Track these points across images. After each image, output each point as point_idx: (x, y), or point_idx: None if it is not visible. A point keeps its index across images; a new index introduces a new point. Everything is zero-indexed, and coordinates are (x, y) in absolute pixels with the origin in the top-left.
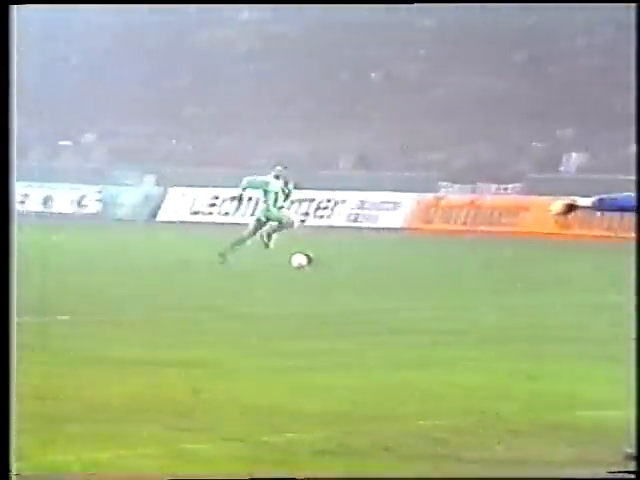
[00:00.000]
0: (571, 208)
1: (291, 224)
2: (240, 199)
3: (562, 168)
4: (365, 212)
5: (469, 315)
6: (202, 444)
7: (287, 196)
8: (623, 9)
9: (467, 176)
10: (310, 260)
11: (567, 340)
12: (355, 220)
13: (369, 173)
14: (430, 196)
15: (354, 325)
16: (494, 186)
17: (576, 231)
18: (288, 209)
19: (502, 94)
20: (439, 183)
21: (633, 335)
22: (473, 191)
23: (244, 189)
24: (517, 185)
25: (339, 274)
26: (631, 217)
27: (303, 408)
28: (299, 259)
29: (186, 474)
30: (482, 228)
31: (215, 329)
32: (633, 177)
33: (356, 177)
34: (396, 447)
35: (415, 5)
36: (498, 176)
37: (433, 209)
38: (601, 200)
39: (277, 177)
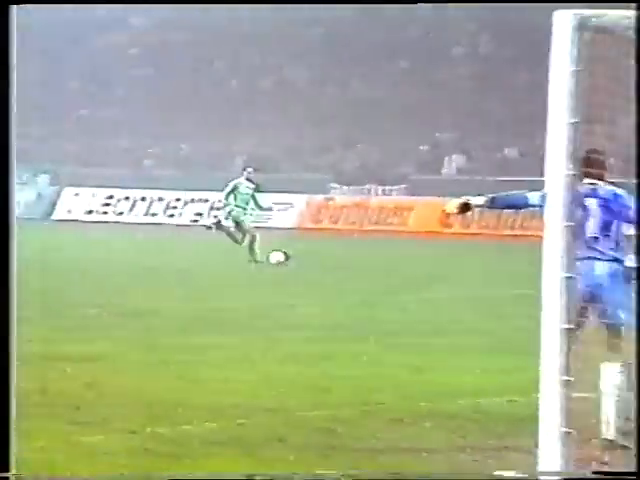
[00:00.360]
0: (466, 207)
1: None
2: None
3: (444, 170)
4: (259, 212)
5: (357, 310)
6: (96, 436)
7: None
8: (504, 18)
9: (355, 178)
10: (288, 257)
11: (451, 333)
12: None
13: (261, 175)
14: (320, 197)
15: (247, 320)
16: (381, 187)
17: (457, 230)
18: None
19: (387, 100)
20: (329, 185)
21: (517, 325)
22: (361, 192)
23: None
24: (402, 186)
25: (233, 272)
26: (511, 215)
27: (195, 401)
28: (277, 256)
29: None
30: (369, 228)
31: (109, 325)
32: (508, 178)
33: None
34: (288, 438)
35: (304, 14)
36: (384, 178)
37: (323, 210)
38: (493, 199)
39: (248, 180)
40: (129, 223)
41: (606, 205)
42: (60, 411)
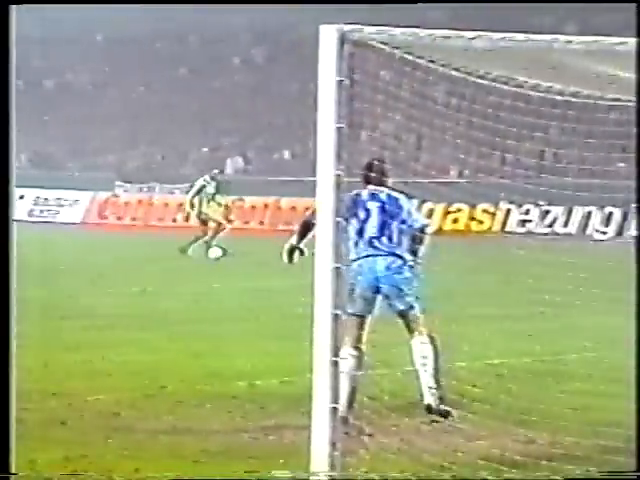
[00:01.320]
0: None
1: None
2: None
3: (226, 171)
4: (45, 208)
5: (141, 300)
6: None
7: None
8: (277, 31)
9: (140, 177)
10: (225, 252)
11: (229, 320)
12: (37, 215)
13: (47, 172)
14: (106, 194)
15: (30, 311)
16: (166, 186)
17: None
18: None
19: (169, 105)
20: (115, 183)
21: (292, 313)
22: (146, 190)
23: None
24: (185, 185)
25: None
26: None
27: None
28: (215, 252)
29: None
30: (154, 223)
31: None
32: (283, 178)
33: (34, 176)
34: (69, 421)
35: (88, 16)
36: (168, 178)
37: (109, 206)
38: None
39: (212, 179)
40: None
41: (384, 208)
42: None
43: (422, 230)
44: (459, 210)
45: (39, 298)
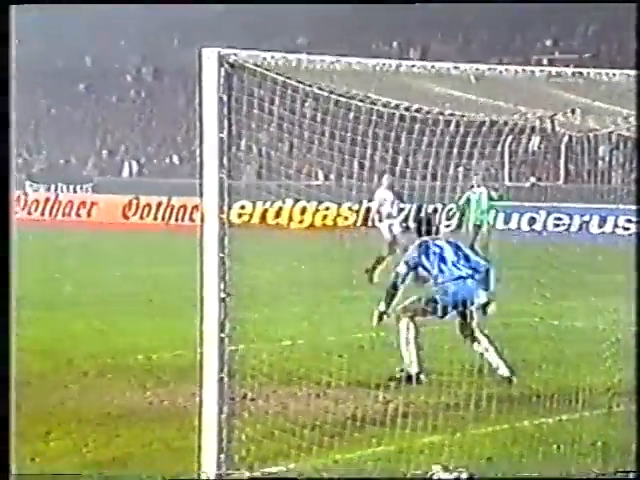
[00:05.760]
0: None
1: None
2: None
3: (124, 174)
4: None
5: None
6: None
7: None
8: (164, 52)
9: (47, 178)
10: None
11: (129, 303)
12: None
13: None
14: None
15: None
16: (71, 186)
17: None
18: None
19: (70, 115)
20: (25, 182)
21: (181, 296)
22: (53, 189)
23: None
24: (89, 185)
25: None
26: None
27: None
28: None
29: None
30: (60, 218)
31: None
32: (173, 180)
33: None
34: None
35: None
36: (73, 178)
37: (19, 203)
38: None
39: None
40: None
41: (450, 249)
42: None
43: (487, 271)
44: (327, 208)
45: None
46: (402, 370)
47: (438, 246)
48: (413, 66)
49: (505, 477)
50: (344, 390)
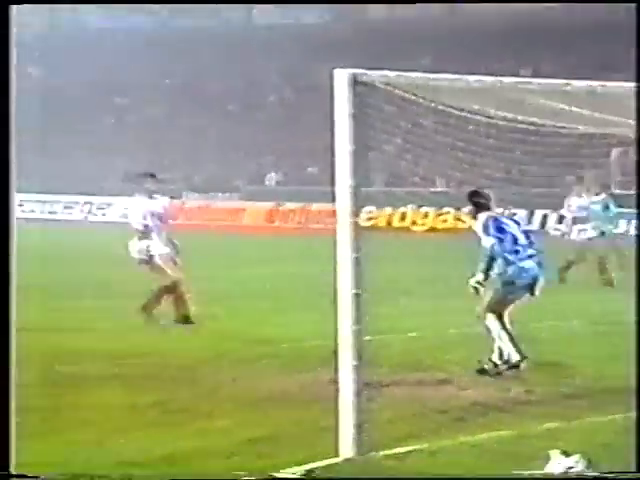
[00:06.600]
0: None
1: None
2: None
3: (267, 182)
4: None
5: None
6: None
7: None
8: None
9: (205, 187)
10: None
11: (272, 299)
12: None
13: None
14: (177, 202)
15: None
16: (220, 194)
17: (279, 226)
18: None
19: (217, 132)
20: (184, 192)
21: (321, 291)
22: (208, 198)
23: None
24: (235, 194)
25: None
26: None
27: None
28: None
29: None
30: (217, 223)
31: None
32: (310, 187)
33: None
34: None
35: None
36: (224, 188)
37: (179, 211)
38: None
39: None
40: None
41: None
42: None
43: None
44: (447, 213)
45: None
46: (491, 361)
47: (508, 224)
48: (529, 83)
49: (505, 477)
50: (466, 378)
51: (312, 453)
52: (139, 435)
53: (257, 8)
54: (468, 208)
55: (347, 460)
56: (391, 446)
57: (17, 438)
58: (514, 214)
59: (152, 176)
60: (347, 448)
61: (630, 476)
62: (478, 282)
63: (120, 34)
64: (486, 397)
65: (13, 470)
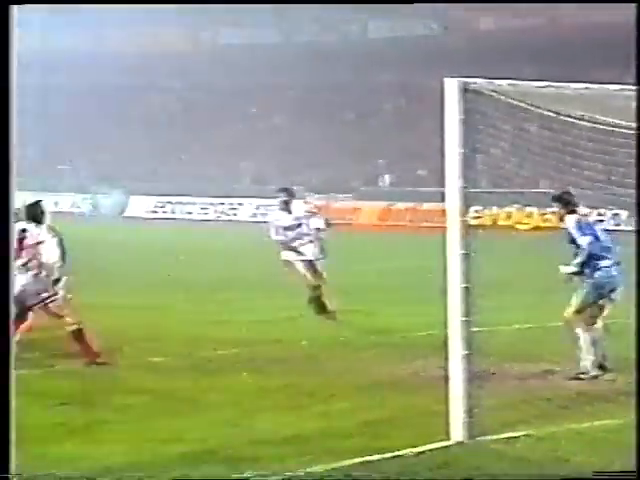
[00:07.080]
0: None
1: None
2: None
3: (380, 184)
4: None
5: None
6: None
7: None
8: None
9: (323, 189)
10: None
11: (385, 291)
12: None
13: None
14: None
15: None
16: (339, 195)
17: (392, 223)
18: None
19: (337, 139)
20: (305, 193)
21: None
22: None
23: None
24: (350, 195)
25: None
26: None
27: None
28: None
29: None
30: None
31: None
32: (420, 189)
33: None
34: None
35: None
36: (341, 189)
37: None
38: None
39: None
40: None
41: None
42: None
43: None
44: (552, 213)
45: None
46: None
47: (596, 229)
48: (632, 90)
49: (504, 477)
50: (570, 369)
51: (425, 436)
52: (268, 416)
53: (371, 22)
54: (557, 208)
55: (458, 443)
56: (499, 431)
57: (161, 415)
58: (601, 220)
59: (286, 190)
60: (458, 432)
61: (630, 476)
62: (571, 273)
63: (246, 49)
64: (591, 387)
65: (13, 470)
